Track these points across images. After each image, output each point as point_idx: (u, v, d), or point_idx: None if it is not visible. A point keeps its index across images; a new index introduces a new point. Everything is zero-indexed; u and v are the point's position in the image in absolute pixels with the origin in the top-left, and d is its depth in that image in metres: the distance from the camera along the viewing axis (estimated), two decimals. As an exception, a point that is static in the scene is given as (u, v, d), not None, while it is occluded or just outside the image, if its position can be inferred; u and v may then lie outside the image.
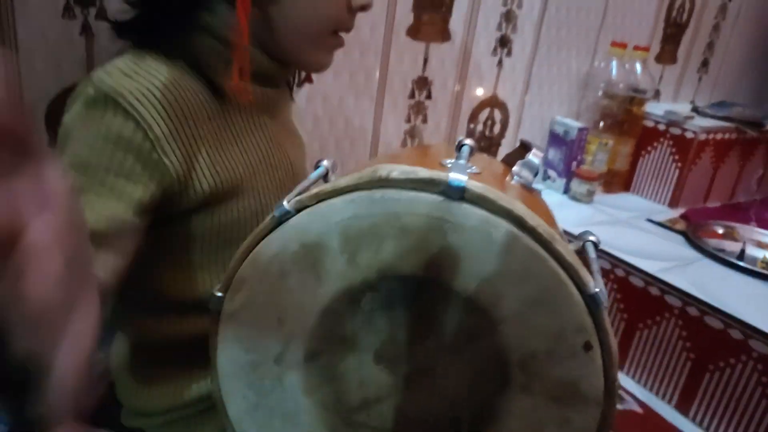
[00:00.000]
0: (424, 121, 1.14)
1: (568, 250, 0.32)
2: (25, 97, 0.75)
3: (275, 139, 0.60)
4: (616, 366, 0.34)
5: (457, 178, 0.31)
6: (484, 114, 1.23)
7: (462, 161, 0.34)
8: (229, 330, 0.36)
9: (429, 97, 1.12)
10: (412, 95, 1.10)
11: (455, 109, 1.18)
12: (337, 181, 0.34)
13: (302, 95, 0.95)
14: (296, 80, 0.71)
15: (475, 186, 0.31)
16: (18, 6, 0.71)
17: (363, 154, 1.09)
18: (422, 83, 1.10)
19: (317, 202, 0.33)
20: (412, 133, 1.13)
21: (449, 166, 0.36)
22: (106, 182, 0.46)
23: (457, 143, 0.38)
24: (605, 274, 1.04)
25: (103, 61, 0.75)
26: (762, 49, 1.78)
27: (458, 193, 0.31)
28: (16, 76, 0.74)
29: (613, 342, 0.33)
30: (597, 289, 0.32)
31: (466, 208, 0.31)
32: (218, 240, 0.55)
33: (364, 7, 0.58)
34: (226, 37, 0.52)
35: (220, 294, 0.36)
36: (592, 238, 0.40)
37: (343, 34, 0.60)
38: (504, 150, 1.30)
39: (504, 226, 0.31)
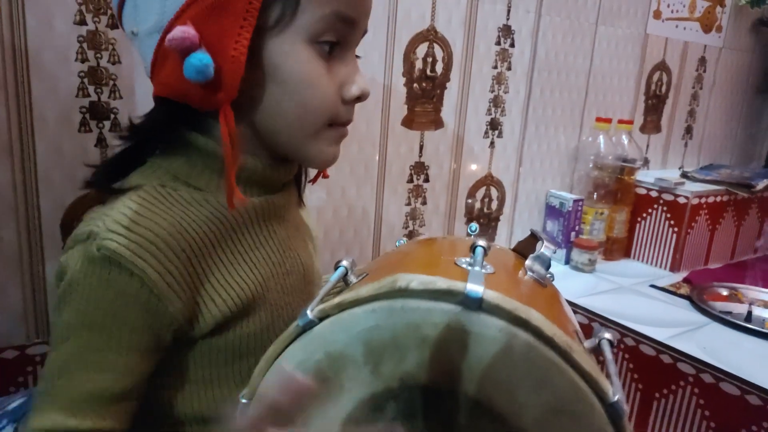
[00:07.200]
0: (424, 203, 1.18)
1: (585, 359, 0.32)
2: (42, 206, 0.78)
3: (286, 243, 0.59)
4: None
5: (474, 289, 0.31)
6: (480, 192, 1.27)
7: (477, 268, 0.34)
8: None
9: (427, 180, 1.17)
10: (410, 180, 1.14)
11: (453, 190, 1.22)
12: (358, 291, 0.34)
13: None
14: (305, 179, 0.68)
15: (492, 296, 0.31)
16: (37, 122, 0.76)
17: (367, 240, 1.12)
18: (420, 168, 1.15)
19: (339, 311, 0.34)
20: (413, 215, 1.17)
21: (465, 267, 0.36)
22: (122, 340, 0.47)
23: (471, 245, 0.38)
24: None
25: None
26: (740, 112, 1.86)
27: (476, 304, 0.31)
28: (33, 189, 0.77)
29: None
30: (616, 397, 0.32)
31: (484, 318, 0.31)
32: (231, 355, 0.54)
33: (359, 98, 0.53)
34: (218, 154, 0.50)
35: (245, 401, 0.36)
36: (607, 335, 0.40)
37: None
38: (503, 225, 1.33)
39: (522, 336, 0.31)
